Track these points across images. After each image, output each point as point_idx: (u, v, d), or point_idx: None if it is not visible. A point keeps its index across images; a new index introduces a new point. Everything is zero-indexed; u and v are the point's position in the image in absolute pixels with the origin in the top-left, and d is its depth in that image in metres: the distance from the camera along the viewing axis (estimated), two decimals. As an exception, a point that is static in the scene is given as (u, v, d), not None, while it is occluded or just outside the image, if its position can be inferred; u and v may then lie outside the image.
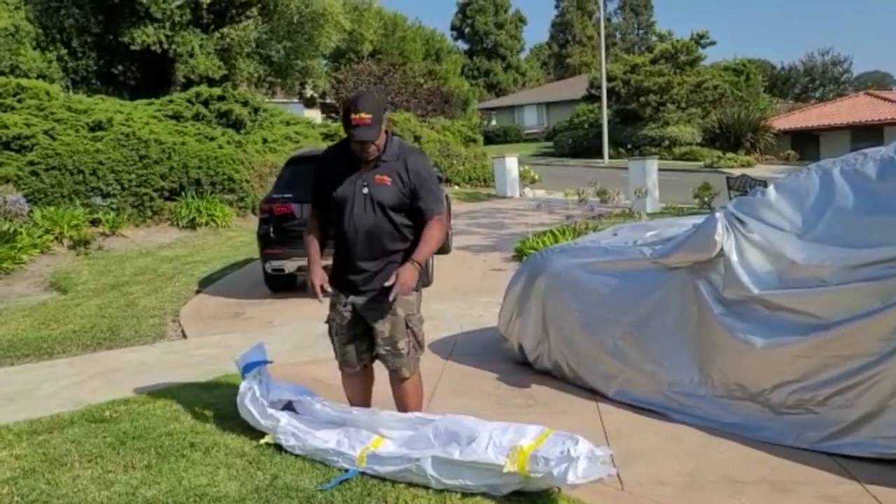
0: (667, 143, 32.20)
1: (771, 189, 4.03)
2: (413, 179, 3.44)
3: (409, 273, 3.31)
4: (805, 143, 33.01)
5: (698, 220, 4.43)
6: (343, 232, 3.48)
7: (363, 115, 3.29)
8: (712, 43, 35.57)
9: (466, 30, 61.04)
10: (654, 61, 34.79)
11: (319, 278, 3.51)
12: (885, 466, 3.28)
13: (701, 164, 28.59)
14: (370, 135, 3.31)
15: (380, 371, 3.73)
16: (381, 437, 3.39)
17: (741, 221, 3.97)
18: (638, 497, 3.20)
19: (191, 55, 24.08)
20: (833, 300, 3.52)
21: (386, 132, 3.48)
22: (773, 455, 3.51)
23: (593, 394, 4.48)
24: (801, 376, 3.61)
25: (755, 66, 41.61)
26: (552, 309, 4.83)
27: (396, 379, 3.63)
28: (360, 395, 3.77)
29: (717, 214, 4.03)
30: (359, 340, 3.62)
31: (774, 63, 56.17)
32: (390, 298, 3.34)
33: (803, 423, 3.63)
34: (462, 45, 61.34)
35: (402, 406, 3.66)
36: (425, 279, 3.58)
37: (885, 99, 35.74)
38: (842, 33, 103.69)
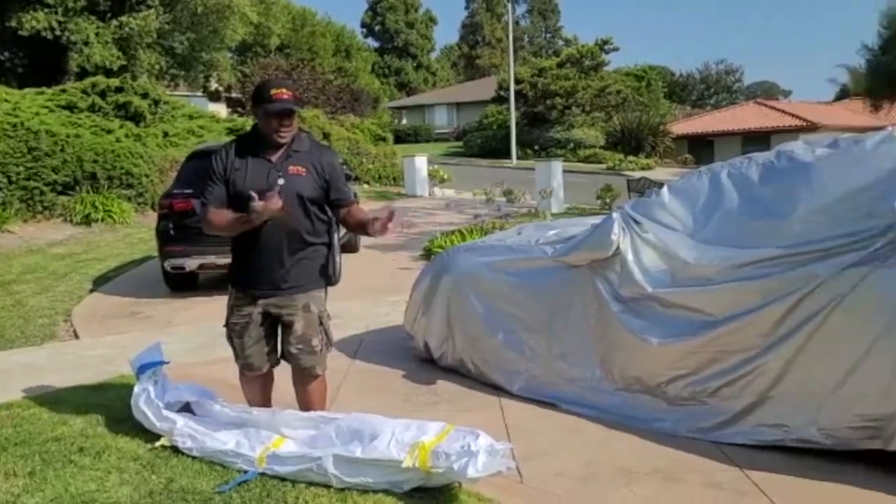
0: (572, 145, 33.06)
1: (665, 191, 4.21)
2: (327, 171, 3.41)
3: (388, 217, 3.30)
4: (701, 148, 34.58)
5: (597, 220, 4.57)
6: (256, 227, 3.30)
7: (284, 91, 3.25)
8: (615, 49, 36.80)
9: (377, 27, 60.81)
10: (560, 65, 35.67)
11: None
12: (764, 452, 3.48)
13: (604, 166, 29.48)
14: (292, 105, 3.27)
15: (279, 372, 3.67)
16: (282, 437, 3.33)
17: (637, 222, 4.12)
18: (535, 489, 3.28)
19: (86, 43, 22.91)
20: (720, 298, 3.70)
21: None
22: (667, 446, 3.66)
23: (498, 390, 4.55)
24: (694, 369, 3.78)
25: (656, 73, 43.35)
26: (457, 306, 4.87)
27: (306, 378, 3.56)
28: (261, 397, 3.69)
29: (614, 215, 4.18)
30: (265, 342, 3.53)
31: (673, 70, 58.54)
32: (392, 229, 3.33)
33: (696, 413, 3.80)
34: (373, 43, 61.12)
35: (306, 406, 3.61)
36: (333, 277, 3.55)
37: (773, 108, 37.99)
38: (735, 45, 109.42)
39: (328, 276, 3.51)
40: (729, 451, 3.55)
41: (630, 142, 33.11)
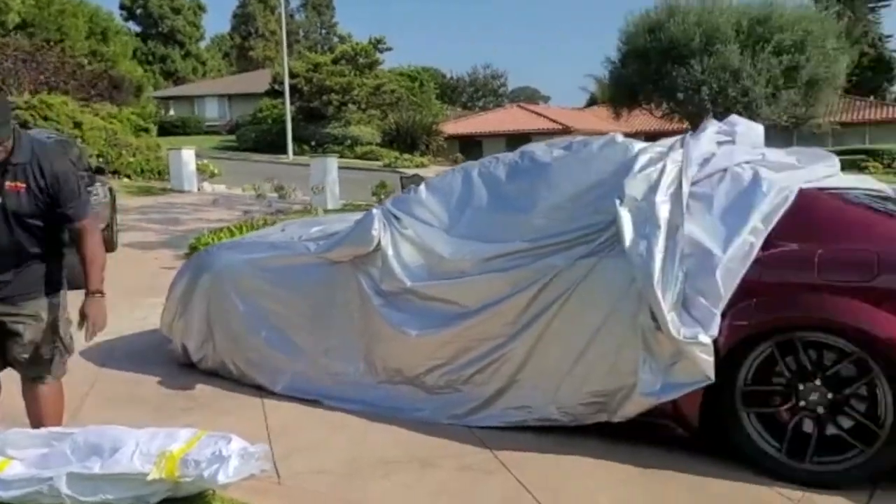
0: (349, 142, 33.19)
1: (422, 188, 4.36)
2: (51, 184, 3.09)
3: (97, 307, 3.13)
4: (471, 148, 36.33)
5: (360, 216, 4.62)
6: None
7: None
8: (389, 49, 37.62)
9: (139, 11, 56.49)
10: (335, 61, 35.63)
11: None
12: (512, 433, 3.73)
13: (381, 163, 29.94)
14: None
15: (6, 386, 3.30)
16: (7, 459, 2.99)
17: (397, 218, 4.23)
18: (293, 488, 3.25)
19: None
20: (472, 290, 3.91)
21: (14, 131, 3.08)
22: (426, 434, 3.79)
23: (261, 391, 4.44)
24: (450, 359, 3.96)
25: (428, 74, 44.82)
26: (217, 306, 4.69)
27: (35, 388, 3.27)
28: None
29: (374, 211, 4.26)
30: None
31: (445, 72, 60.87)
32: (87, 341, 3.16)
33: (452, 401, 3.98)
34: (134, 27, 56.66)
35: (37, 421, 3.28)
36: (62, 284, 3.31)
37: (533, 111, 41.08)
38: (501, 52, 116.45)
39: (58, 284, 3.28)
40: (481, 434, 3.76)
41: (405, 140, 33.95)
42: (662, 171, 3.59)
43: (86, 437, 3.00)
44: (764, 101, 22.14)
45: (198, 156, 19.81)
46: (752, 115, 22.26)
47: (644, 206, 3.51)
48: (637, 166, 3.65)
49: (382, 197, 14.94)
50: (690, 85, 21.59)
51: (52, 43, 28.21)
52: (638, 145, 3.85)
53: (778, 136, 24.69)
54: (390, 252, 4.13)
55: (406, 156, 31.12)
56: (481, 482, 3.29)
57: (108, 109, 22.94)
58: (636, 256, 3.41)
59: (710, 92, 21.57)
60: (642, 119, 27.48)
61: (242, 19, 64.27)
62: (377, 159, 31.02)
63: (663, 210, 3.47)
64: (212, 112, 47.02)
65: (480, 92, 64.73)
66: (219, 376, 4.69)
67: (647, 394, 3.39)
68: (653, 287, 3.30)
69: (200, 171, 19.50)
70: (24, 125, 16.47)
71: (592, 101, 43.81)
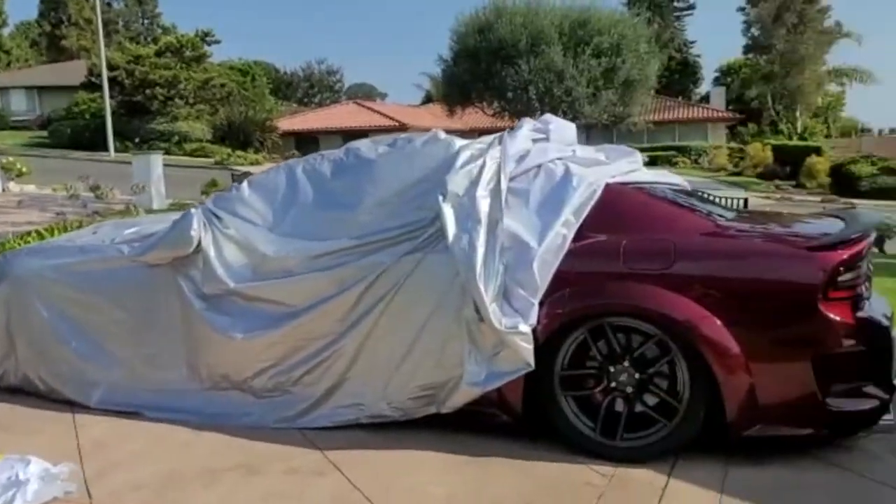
0: (177, 138, 31.57)
1: (245, 185, 4.22)
2: None
3: None
4: (307, 144, 35.75)
5: (178, 216, 4.40)
6: None
7: None
8: (217, 41, 36.27)
9: (-73, -10, 50.60)
10: (159, 54, 33.73)
11: None
12: (344, 432, 3.70)
13: (212, 160, 28.74)
14: None
15: None
16: None
17: (218, 217, 4.07)
18: (107, 508, 3.04)
19: None
20: (299, 289, 3.84)
21: None
22: (253, 440, 3.67)
23: (73, 406, 4.12)
24: (279, 360, 3.86)
25: (260, 69, 43.58)
26: (19, 316, 4.29)
27: None
28: None
29: (193, 210, 4.07)
30: None
31: (279, 67, 59.42)
32: None
33: (281, 403, 3.88)
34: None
35: None
36: None
37: (370, 108, 41.10)
38: (337, 47, 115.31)
39: None
40: (311, 435, 3.70)
41: (238, 136, 32.80)
42: (482, 168, 3.69)
43: None
44: (586, 100, 23.50)
45: (2, 153, 18.01)
46: (575, 113, 23.60)
47: (465, 202, 3.60)
48: (458, 163, 3.73)
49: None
50: (519, 84, 22.51)
51: None
52: (459, 142, 3.94)
53: (599, 133, 26.35)
54: (212, 253, 3.96)
55: (239, 153, 30.07)
56: (310, 484, 3.24)
57: None
58: (459, 251, 3.49)
59: (536, 91, 22.59)
60: (476, 117, 28.28)
61: (51, 5, 59.03)
62: (208, 156, 29.75)
63: (483, 205, 3.58)
64: (19, 105, 43.06)
65: (316, 88, 63.82)
66: (24, 393, 4.30)
67: (473, 384, 3.50)
68: (475, 280, 3.40)
69: (5, 169, 17.75)
70: None
71: (429, 99, 44.58)
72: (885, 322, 3.45)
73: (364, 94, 61.13)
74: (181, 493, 3.17)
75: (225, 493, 3.16)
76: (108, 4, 56.41)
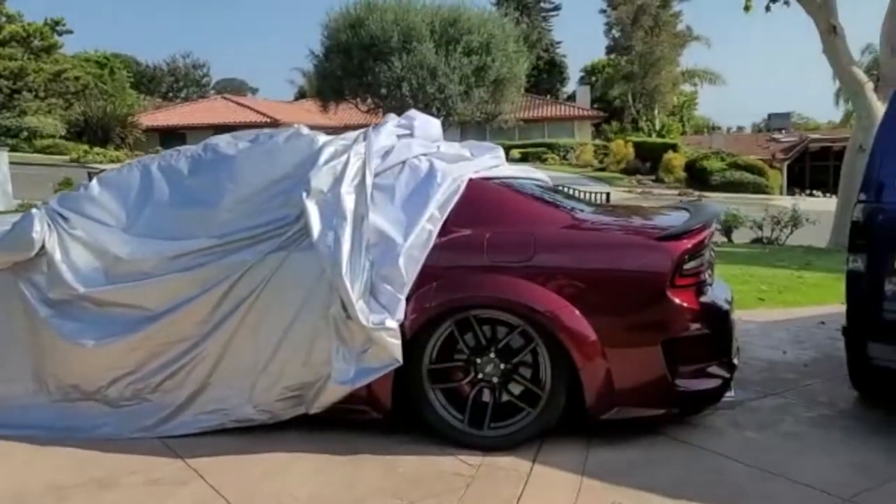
0: (27, 134, 29.41)
1: (94, 183, 3.99)
2: None
3: None
4: (172, 141, 34.15)
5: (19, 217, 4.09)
6: None
7: None
8: (69, 31, 34.01)
9: None
10: (2, 43, 31.28)
11: None
12: (208, 438, 3.57)
13: (67, 158, 26.98)
14: None
15: None
16: None
17: (64, 217, 3.82)
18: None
19: None
20: (157, 291, 3.67)
21: None
22: (106, 452, 3.47)
23: None
24: (136, 367, 3.68)
25: (120, 61, 41.31)
26: None
27: None
28: None
29: (35, 211, 3.81)
30: None
31: (140, 60, 56.46)
32: None
33: (139, 412, 3.70)
34: None
35: None
36: None
37: (240, 104, 39.89)
38: (202, 40, 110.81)
39: None
40: (173, 444, 3.55)
41: (96, 132, 31.03)
42: (347, 164, 3.66)
43: None
44: (458, 98, 23.87)
45: None
46: (448, 111, 23.92)
47: (330, 198, 3.56)
48: (322, 159, 3.68)
49: (67, 195, 13.48)
50: (392, 81, 22.56)
51: None
52: (323, 138, 3.89)
53: (473, 131, 26.85)
54: (57, 256, 3.72)
55: (98, 150, 28.43)
56: (171, 495, 3.10)
57: None
58: (324, 248, 3.45)
59: (410, 88, 22.72)
60: (350, 113, 28.06)
61: None
62: (63, 153, 27.91)
63: (349, 202, 3.55)
64: None
65: (182, 82, 61.18)
66: None
67: (342, 382, 3.46)
68: (342, 277, 3.37)
69: None
70: None
71: (302, 95, 43.83)
72: (726, 306, 3.71)
73: (234, 88, 59.14)
74: (26, 513, 2.96)
75: (74, 511, 2.98)
76: (-57, -12, 51.64)
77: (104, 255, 3.74)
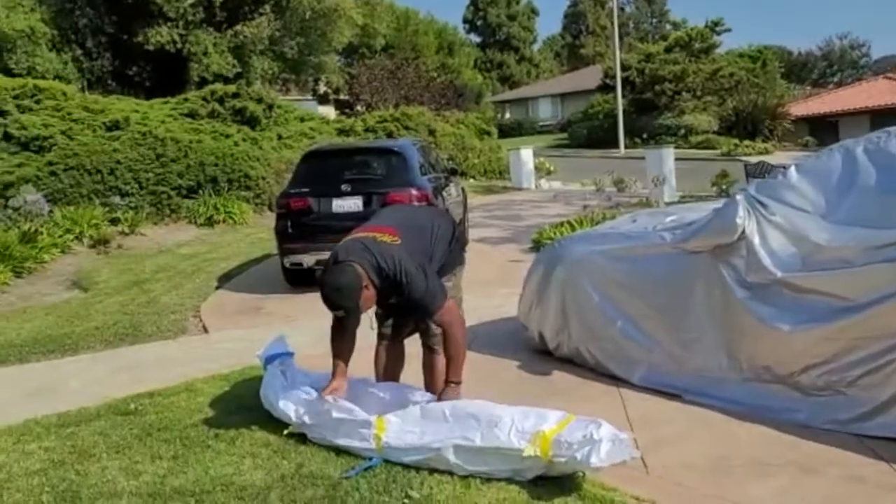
0: (683, 131, 31.91)
1: (792, 171, 4.00)
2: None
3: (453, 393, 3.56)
4: (823, 130, 32.62)
5: (719, 204, 4.39)
6: None
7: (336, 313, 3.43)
8: (727, 30, 35.35)
9: (479, 22, 60.83)
10: (668, 50, 34.54)
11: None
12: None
13: (718, 152, 28.31)
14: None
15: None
16: (381, 419, 3.36)
17: (763, 204, 3.93)
18: (663, 480, 3.18)
19: (205, 54, 24.19)
20: (858, 281, 3.47)
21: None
22: (802, 438, 3.47)
23: (616, 381, 4.45)
24: (830, 358, 3.57)
25: (771, 53, 41.09)
26: (571, 296, 4.80)
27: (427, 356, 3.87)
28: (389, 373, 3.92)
29: (738, 197, 4.00)
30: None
31: (791, 49, 55.48)
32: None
33: (833, 404, 3.59)
34: (474, 38, 61.19)
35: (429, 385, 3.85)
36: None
37: (905, 82, 35.26)
38: (859, 18, 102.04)
39: None
40: (872, 444, 3.33)
41: (745, 126, 31.63)
42: None
43: (457, 409, 3.27)
44: None
45: (534, 155, 20.64)
46: None
47: None
48: None
49: (724, 187, 14.06)
50: None
51: (408, 60, 31.66)
52: None
53: None
54: (756, 241, 3.85)
55: (746, 142, 28.96)
56: (879, 499, 2.90)
57: (457, 116, 25.01)
58: None
59: None
60: None
61: (573, 18, 65.57)
62: (714, 148, 29.37)
63: None
64: (545, 112, 48.72)
65: (836, 66, 57.77)
66: (574, 364, 4.80)
67: None
68: None
69: (537, 169, 20.28)
70: (390, 135, 18.75)
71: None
72: None
73: (895, 66, 53.05)
74: (732, 479, 3.16)
75: (780, 488, 3.04)
76: (621, 9, 59.97)
77: (802, 241, 3.73)
